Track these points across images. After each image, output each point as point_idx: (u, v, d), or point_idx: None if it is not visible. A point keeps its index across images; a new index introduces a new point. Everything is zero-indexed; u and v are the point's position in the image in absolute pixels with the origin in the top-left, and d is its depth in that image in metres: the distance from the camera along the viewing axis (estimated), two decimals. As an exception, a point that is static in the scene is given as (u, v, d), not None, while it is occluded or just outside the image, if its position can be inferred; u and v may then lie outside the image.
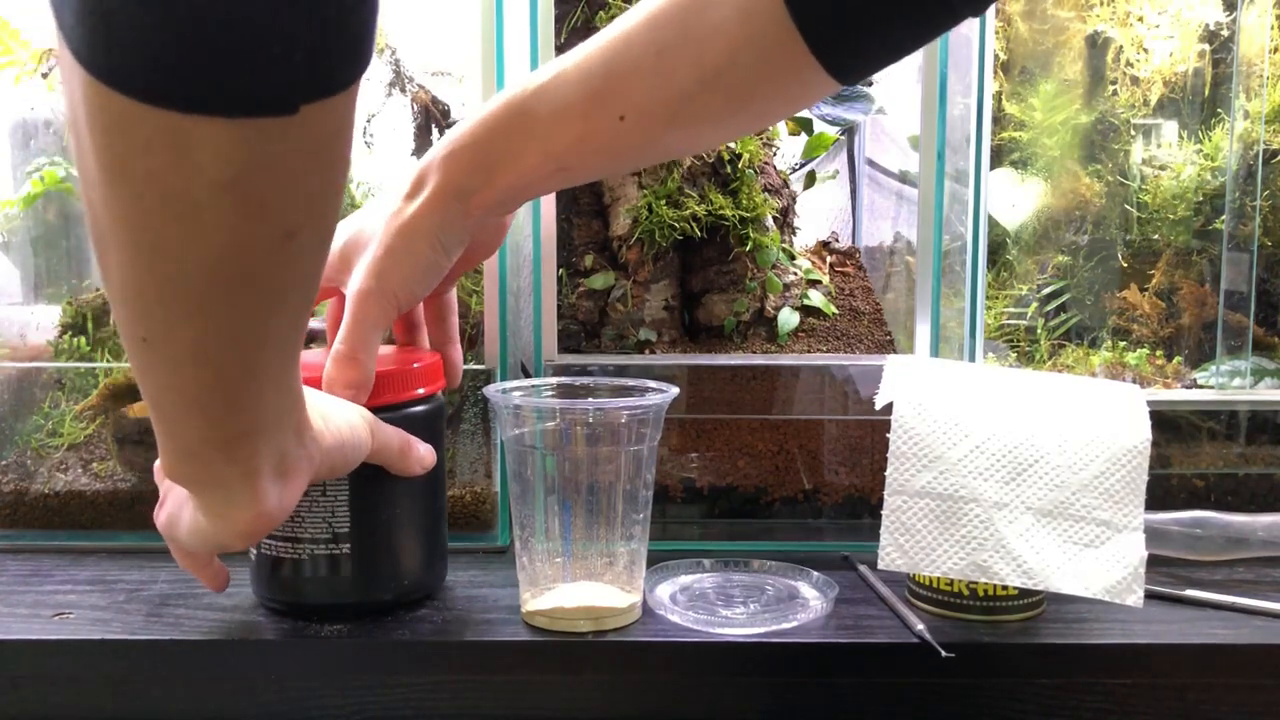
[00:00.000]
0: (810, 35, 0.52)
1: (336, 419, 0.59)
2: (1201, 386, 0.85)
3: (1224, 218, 0.86)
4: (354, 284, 0.62)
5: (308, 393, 0.56)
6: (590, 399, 0.69)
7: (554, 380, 0.72)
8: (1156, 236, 0.88)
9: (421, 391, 0.68)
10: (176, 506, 0.58)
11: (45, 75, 0.86)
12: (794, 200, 0.94)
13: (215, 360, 0.44)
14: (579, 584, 0.66)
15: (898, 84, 0.93)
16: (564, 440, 0.64)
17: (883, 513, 0.63)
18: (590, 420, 0.64)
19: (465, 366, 0.83)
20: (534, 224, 0.80)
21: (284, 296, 0.43)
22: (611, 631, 0.64)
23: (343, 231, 0.65)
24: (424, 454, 0.66)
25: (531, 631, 0.65)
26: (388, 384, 0.65)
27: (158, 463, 0.52)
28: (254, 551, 0.67)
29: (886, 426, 0.65)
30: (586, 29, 0.84)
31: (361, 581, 0.66)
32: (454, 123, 0.89)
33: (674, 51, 0.55)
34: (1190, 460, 0.84)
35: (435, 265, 0.63)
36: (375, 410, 0.64)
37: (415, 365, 0.68)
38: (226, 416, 0.47)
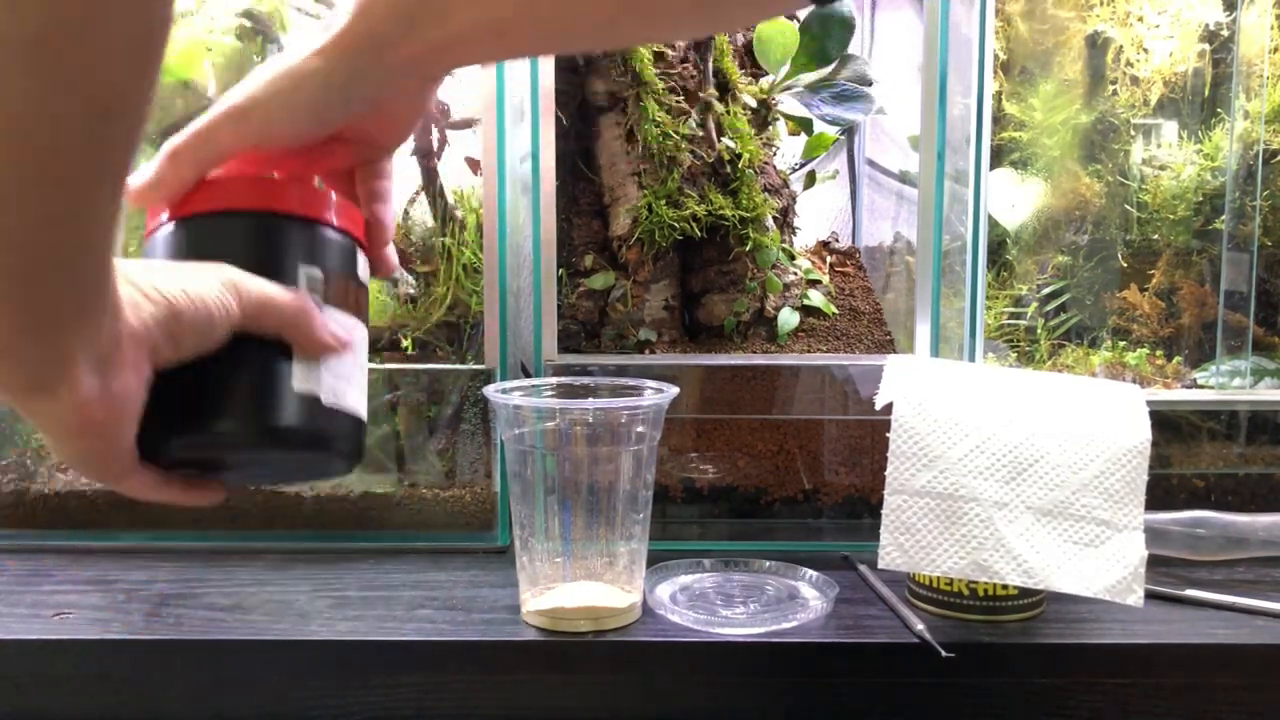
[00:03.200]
0: None
1: (168, 286, 0.51)
2: (1201, 386, 0.85)
3: (1224, 218, 0.86)
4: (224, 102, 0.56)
5: (140, 264, 0.51)
6: (590, 399, 0.69)
7: (554, 380, 0.72)
8: (1156, 236, 0.88)
9: (299, 211, 0.55)
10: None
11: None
12: (794, 200, 0.94)
13: (26, 247, 0.41)
14: (579, 584, 0.66)
15: (898, 84, 0.93)
16: (564, 440, 0.64)
17: (883, 512, 0.63)
18: (590, 420, 0.64)
19: (465, 366, 0.83)
20: (534, 224, 0.80)
21: (98, 179, 0.40)
22: (611, 631, 0.64)
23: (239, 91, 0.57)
24: (336, 330, 0.54)
25: (531, 631, 0.65)
26: (250, 186, 0.55)
27: None
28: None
29: (886, 426, 0.65)
30: (586, 29, 0.84)
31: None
32: (454, 123, 0.89)
33: None
34: (1190, 460, 0.84)
35: (320, 109, 0.55)
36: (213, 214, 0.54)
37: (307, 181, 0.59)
38: (38, 304, 0.44)
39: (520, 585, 0.67)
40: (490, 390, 0.66)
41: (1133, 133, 0.88)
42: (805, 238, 1.00)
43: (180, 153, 0.55)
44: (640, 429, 0.65)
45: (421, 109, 0.62)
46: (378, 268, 0.61)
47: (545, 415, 0.64)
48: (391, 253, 0.63)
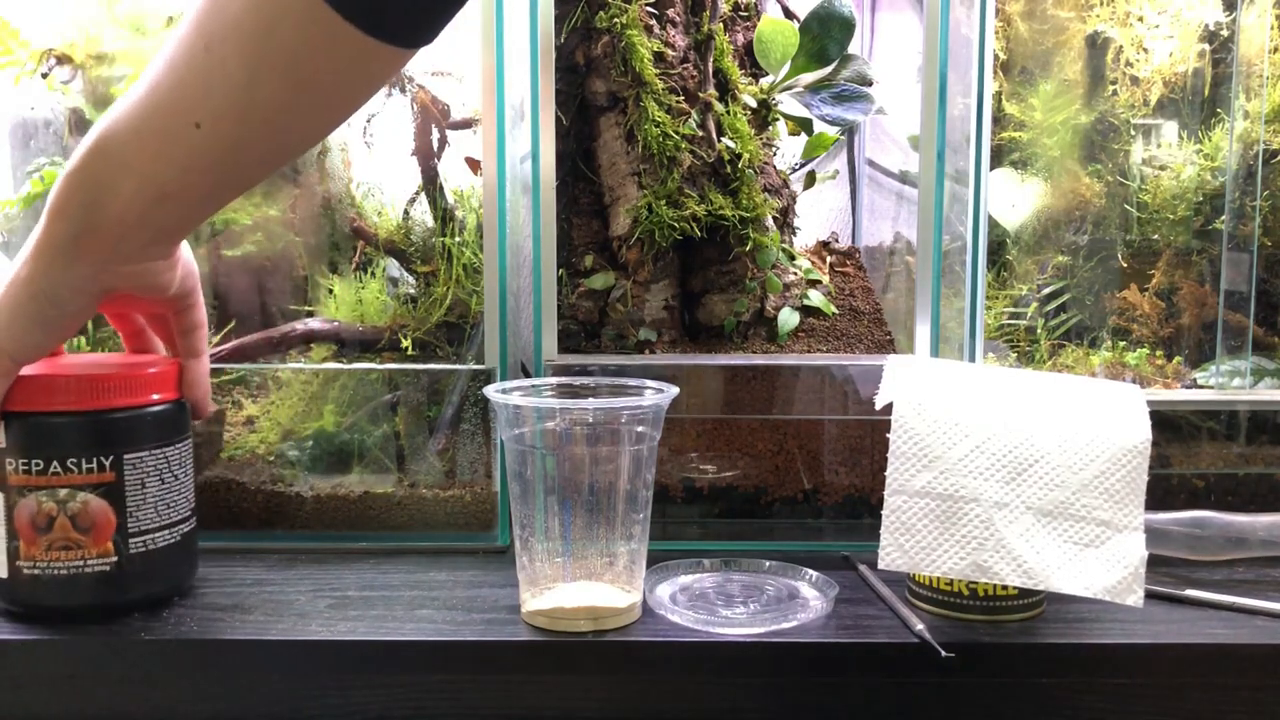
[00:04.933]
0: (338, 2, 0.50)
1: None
2: (1201, 386, 0.85)
3: (1224, 218, 0.86)
4: None
5: None
6: (590, 399, 0.69)
7: (554, 380, 0.72)
8: (1156, 236, 0.88)
9: (157, 396, 0.67)
10: None
11: (45, 75, 0.86)
12: (794, 200, 0.94)
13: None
14: (579, 584, 0.66)
15: (898, 84, 0.93)
16: (564, 440, 0.64)
17: (883, 512, 0.63)
18: (590, 420, 0.64)
19: (466, 366, 0.83)
20: (534, 224, 0.80)
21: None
22: (611, 631, 0.64)
23: None
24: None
25: (531, 631, 0.65)
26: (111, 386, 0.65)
27: None
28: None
29: (886, 426, 0.65)
30: (586, 29, 0.84)
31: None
32: (454, 123, 0.89)
33: (220, 41, 0.53)
34: (1190, 460, 0.84)
35: (51, 320, 0.62)
36: (103, 413, 0.65)
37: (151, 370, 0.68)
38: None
39: (520, 585, 0.67)
40: (490, 390, 0.66)
41: (1133, 133, 0.88)
42: (805, 238, 1.00)
43: None
44: (640, 429, 0.65)
45: (168, 279, 0.65)
46: (194, 412, 0.71)
47: (545, 415, 0.65)
48: (205, 398, 0.71)
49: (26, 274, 0.61)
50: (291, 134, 0.59)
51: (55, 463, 0.64)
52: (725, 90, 0.88)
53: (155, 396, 0.67)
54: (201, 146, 0.56)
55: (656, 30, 0.85)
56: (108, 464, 0.64)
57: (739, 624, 0.65)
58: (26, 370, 0.64)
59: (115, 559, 0.65)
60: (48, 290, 0.61)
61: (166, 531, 0.68)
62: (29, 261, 0.61)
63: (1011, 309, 0.90)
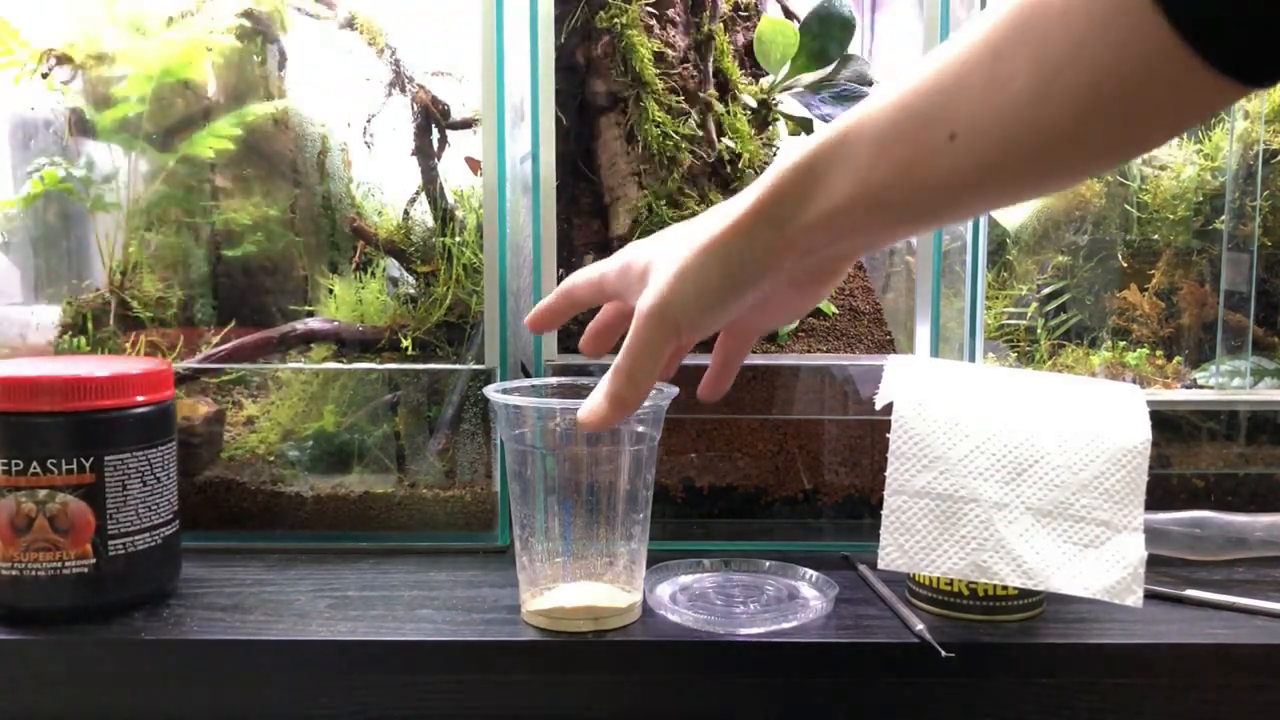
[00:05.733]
0: (1179, 17, 0.40)
1: None
2: (1201, 386, 0.85)
3: (1224, 218, 0.86)
4: (642, 301, 0.58)
5: None
6: (590, 399, 0.69)
7: (554, 380, 0.72)
8: (1156, 236, 0.88)
9: (141, 399, 0.67)
10: None
11: (45, 75, 0.86)
12: (794, 200, 0.93)
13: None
14: (579, 584, 0.66)
15: (898, 84, 0.93)
16: (564, 440, 0.64)
17: (883, 512, 0.63)
18: (590, 420, 0.64)
19: (466, 366, 0.83)
20: (534, 224, 0.80)
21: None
22: (611, 631, 0.64)
23: (637, 246, 0.61)
24: None
25: (532, 631, 0.65)
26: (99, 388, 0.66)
27: None
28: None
29: (886, 426, 0.65)
30: (586, 29, 0.84)
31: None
32: (454, 123, 0.89)
33: (1010, 54, 0.45)
34: (1190, 460, 0.84)
35: (723, 295, 0.56)
36: (84, 414, 0.65)
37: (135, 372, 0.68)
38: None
39: (520, 585, 0.67)
40: (490, 390, 0.66)
41: (1133, 133, 0.88)
42: (805, 238, 1.00)
43: (570, 292, 0.64)
44: (640, 429, 0.65)
45: (807, 305, 0.62)
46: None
47: (545, 415, 0.65)
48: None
49: (716, 239, 0.55)
50: (1051, 168, 0.49)
51: (35, 463, 0.64)
52: (725, 90, 0.88)
53: (139, 398, 0.67)
54: (947, 162, 0.49)
55: (656, 30, 0.85)
56: (88, 465, 0.65)
57: (739, 624, 0.65)
58: (8, 371, 0.65)
59: (94, 561, 0.65)
60: (739, 262, 0.55)
61: (147, 534, 0.68)
62: (725, 225, 0.55)
63: (1011, 309, 0.90)
